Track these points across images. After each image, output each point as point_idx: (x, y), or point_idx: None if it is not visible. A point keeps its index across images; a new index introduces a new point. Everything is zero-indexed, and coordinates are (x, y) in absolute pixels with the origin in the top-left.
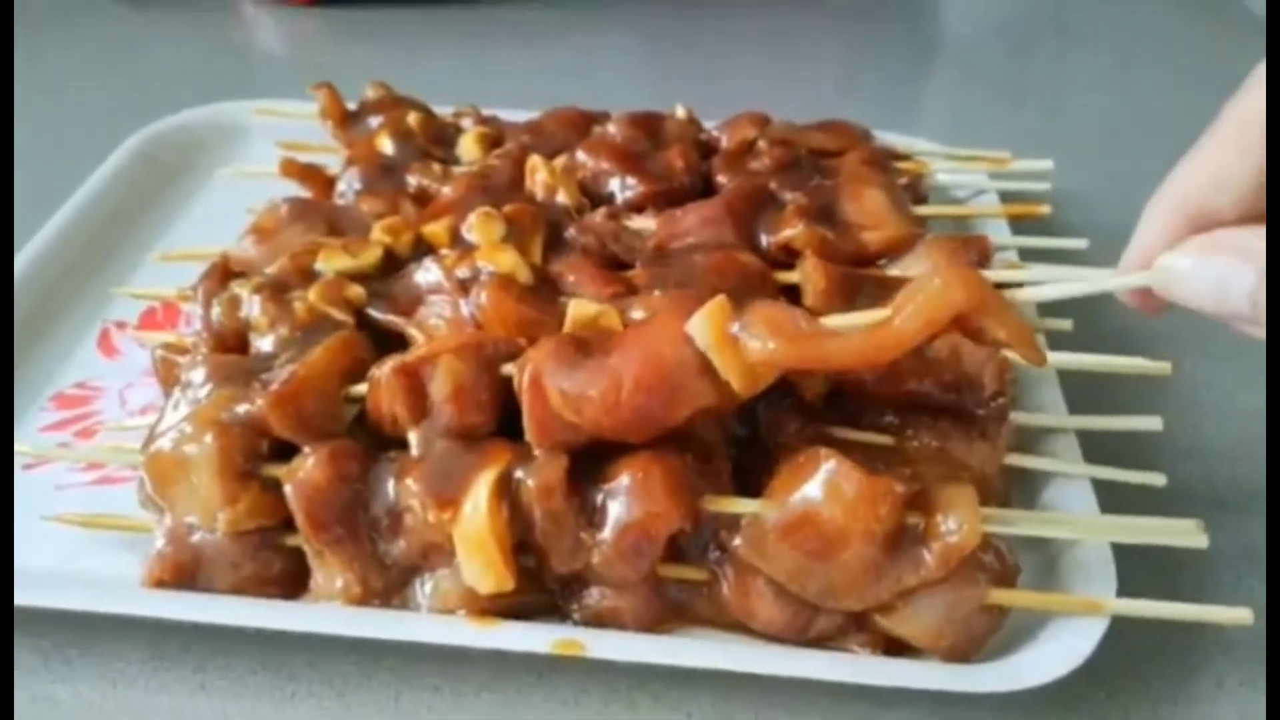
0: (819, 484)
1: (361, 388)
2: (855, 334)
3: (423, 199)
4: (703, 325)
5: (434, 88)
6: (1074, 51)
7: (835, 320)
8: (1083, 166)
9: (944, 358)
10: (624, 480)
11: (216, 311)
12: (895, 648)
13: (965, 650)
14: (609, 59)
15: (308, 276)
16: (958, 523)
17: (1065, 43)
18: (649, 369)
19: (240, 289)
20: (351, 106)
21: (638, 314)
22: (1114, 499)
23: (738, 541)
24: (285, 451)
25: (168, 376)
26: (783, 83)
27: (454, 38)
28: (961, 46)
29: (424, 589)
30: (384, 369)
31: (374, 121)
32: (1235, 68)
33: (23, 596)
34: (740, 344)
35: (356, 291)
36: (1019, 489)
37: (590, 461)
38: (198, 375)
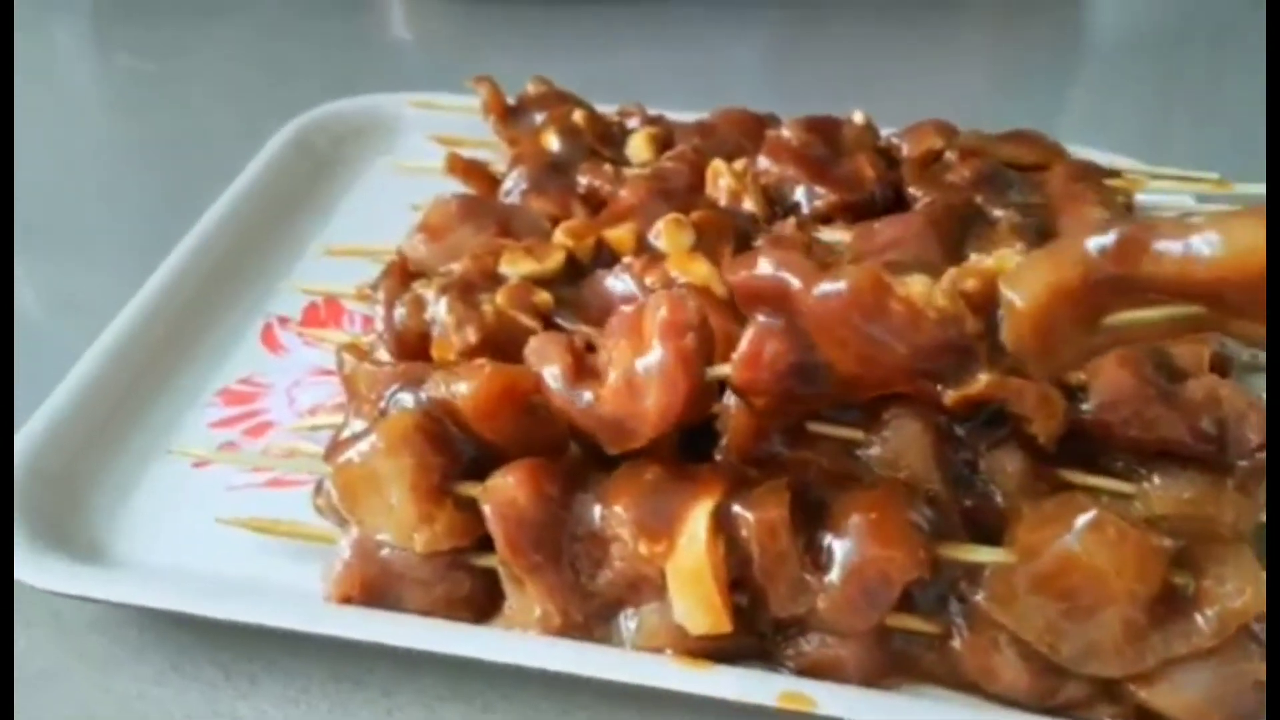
0: (1078, 534)
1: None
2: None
3: (592, 200)
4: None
5: (564, 81)
6: (1227, 63)
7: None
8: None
9: (1200, 401)
10: (854, 520)
11: (400, 312)
12: None
13: None
14: (739, 57)
15: (492, 279)
16: (1237, 586)
17: (1218, 54)
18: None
19: (424, 290)
20: (510, 101)
21: None
22: None
23: (980, 594)
24: (478, 470)
25: (351, 380)
26: (922, 85)
27: (583, 32)
28: (1109, 52)
29: (628, 624)
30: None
31: (537, 117)
32: None
33: (209, 609)
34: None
35: (545, 298)
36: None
37: (813, 496)
38: (385, 384)
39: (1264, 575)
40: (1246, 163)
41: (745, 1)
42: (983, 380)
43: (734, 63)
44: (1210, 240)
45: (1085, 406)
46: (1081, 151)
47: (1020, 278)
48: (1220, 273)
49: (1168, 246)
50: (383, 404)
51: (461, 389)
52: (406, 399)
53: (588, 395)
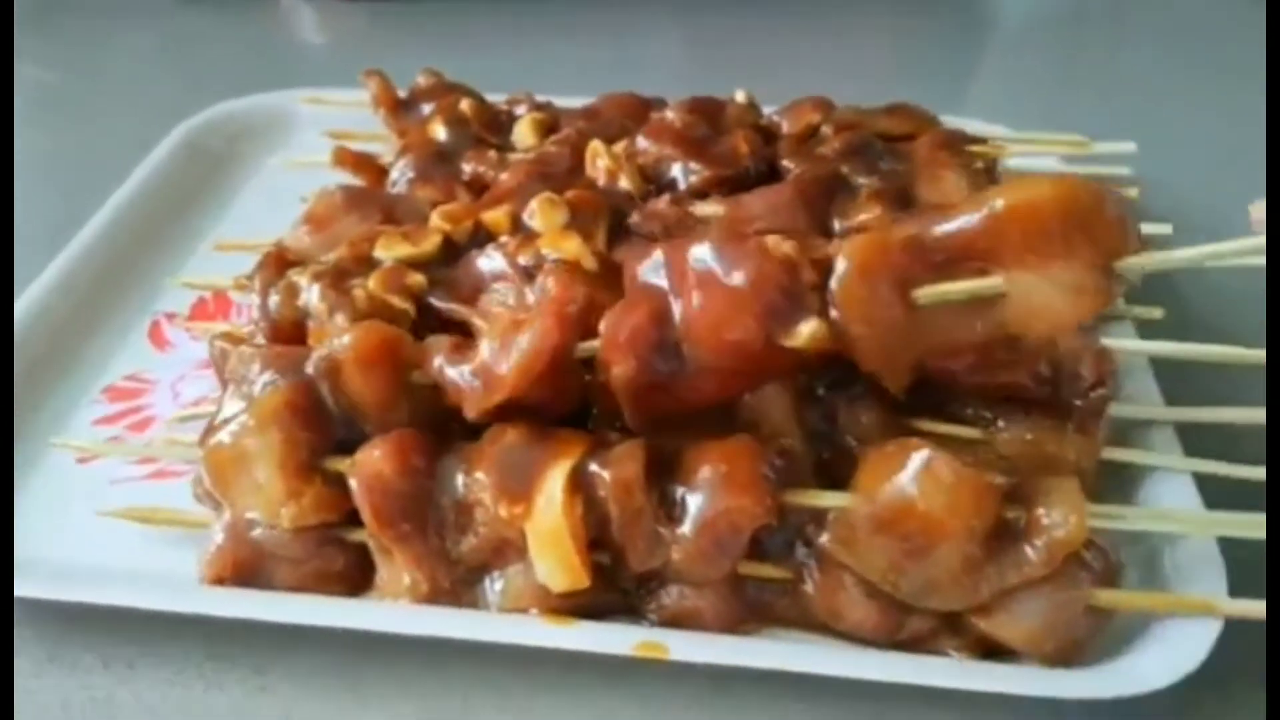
0: (913, 476)
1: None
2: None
3: (478, 186)
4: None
5: (478, 80)
6: (1126, 38)
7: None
8: (1148, 153)
9: (1039, 346)
10: (704, 473)
11: (274, 300)
12: (991, 651)
13: (1068, 654)
14: (654, 49)
15: (366, 264)
16: (1062, 516)
17: (1118, 29)
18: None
19: (298, 277)
20: (402, 94)
21: None
22: (1214, 494)
23: (824, 538)
24: (348, 445)
25: (224, 367)
26: (831, 69)
27: (496, 31)
28: (1013, 28)
29: (494, 587)
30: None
31: (426, 109)
32: None
33: (81, 594)
34: None
35: (417, 279)
36: (1113, 484)
37: (668, 453)
38: (256, 366)
39: (1085, 506)
40: (1147, 131)
41: None
42: (807, 330)
43: (649, 55)
44: (993, 201)
45: None
46: (955, 122)
47: (851, 241)
48: (995, 224)
49: (961, 210)
50: (255, 386)
51: (344, 340)
52: (277, 378)
53: (465, 367)
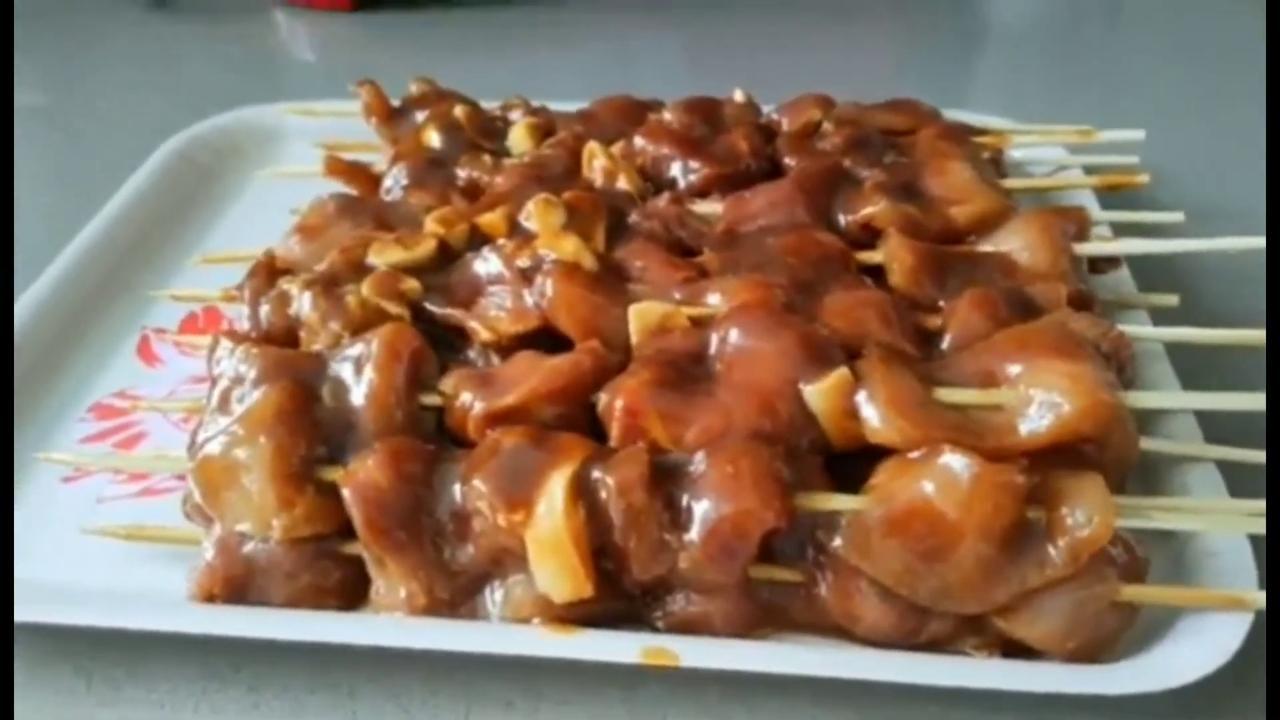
0: (930, 475)
1: (434, 398)
2: (976, 430)
3: (473, 192)
4: (821, 398)
5: (472, 90)
6: (1123, 36)
7: (947, 393)
8: (1154, 142)
9: None
10: (711, 475)
11: (265, 310)
12: (1013, 648)
13: (1094, 651)
14: (648, 55)
15: (359, 271)
16: (1087, 515)
17: (1115, 27)
18: (757, 415)
19: (289, 285)
20: (394, 105)
21: (714, 299)
22: (1237, 478)
23: (837, 541)
24: (340, 456)
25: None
26: (829, 73)
27: (488, 41)
28: (1010, 29)
29: (494, 597)
30: (473, 412)
31: (419, 117)
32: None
33: (65, 615)
34: (860, 420)
35: (412, 285)
36: (1135, 472)
37: (672, 459)
38: (248, 371)
39: (1111, 504)
40: (1151, 124)
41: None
42: None
43: (645, 60)
44: None
45: (943, 348)
46: (964, 117)
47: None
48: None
49: None
50: (248, 387)
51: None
52: (269, 383)
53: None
